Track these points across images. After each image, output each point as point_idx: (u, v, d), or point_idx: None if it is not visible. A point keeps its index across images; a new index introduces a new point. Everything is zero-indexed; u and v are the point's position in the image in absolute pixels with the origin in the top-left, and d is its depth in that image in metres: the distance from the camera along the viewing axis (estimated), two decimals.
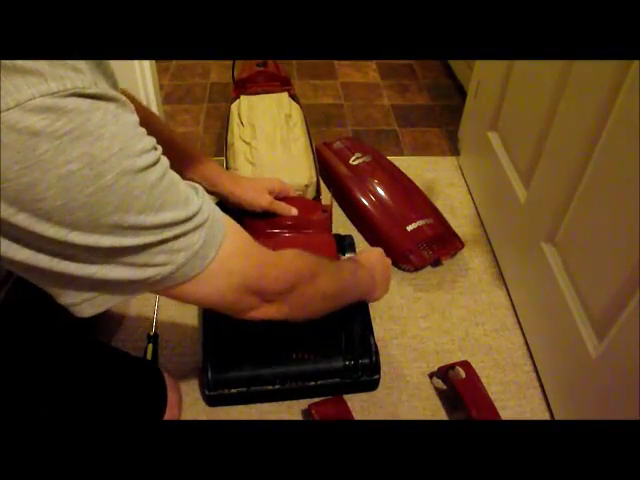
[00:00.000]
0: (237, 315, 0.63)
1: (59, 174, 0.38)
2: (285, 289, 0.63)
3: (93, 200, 0.40)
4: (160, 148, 0.47)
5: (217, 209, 0.54)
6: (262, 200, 0.95)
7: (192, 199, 0.49)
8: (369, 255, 0.90)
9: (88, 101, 0.39)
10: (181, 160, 0.87)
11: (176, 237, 0.47)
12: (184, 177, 0.89)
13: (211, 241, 0.51)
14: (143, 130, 0.45)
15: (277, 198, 0.98)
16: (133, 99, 0.77)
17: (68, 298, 0.49)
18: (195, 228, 0.49)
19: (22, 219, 0.39)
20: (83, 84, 0.39)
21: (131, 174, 0.42)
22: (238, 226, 0.58)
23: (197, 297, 0.55)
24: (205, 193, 0.53)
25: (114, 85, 0.46)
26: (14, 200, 0.38)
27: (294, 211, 0.97)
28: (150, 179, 0.44)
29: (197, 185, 0.53)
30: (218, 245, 0.52)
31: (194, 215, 0.49)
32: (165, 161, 0.47)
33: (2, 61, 0.35)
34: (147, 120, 0.83)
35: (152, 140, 0.46)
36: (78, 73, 0.39)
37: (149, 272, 0.48)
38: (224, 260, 0.53)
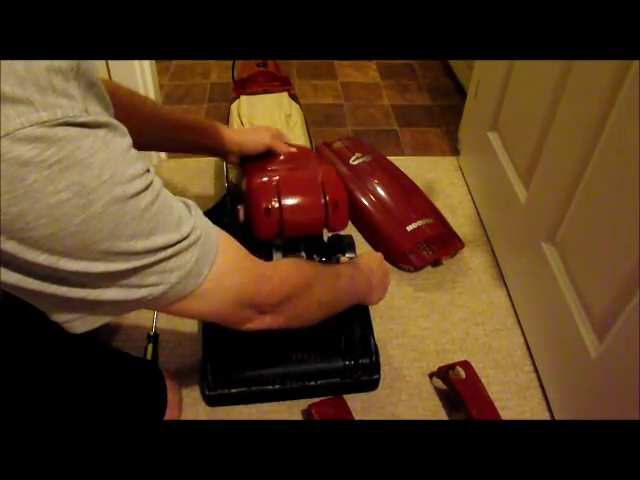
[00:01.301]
0: (233, 327, 0.63)
1: (49, 204, 0.38)
2: (280, 301, 0.63)
3: (83, 228, 0.40)
4: (152, 170, 0.46)
5: (209, 224, 0.53)
6: (265, 137, 0.94)
7: (185, 219, 0.49)
8: (368, 260, 0.90)
9: (77, 129, 0.39)
10: (187, 132, 0.88)
11: (168, 258, 0.47)
12: (194, 144, 0.90)
13: (204, 259, 0.51)
14: (135, 153, 0.44)
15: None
16: (119, 88, 0.77)
17: (61, 317, 0.48)
18: (187, 247, 0.49)
19: (11, 246, 0.39)
20: (74, 112, 0.39)
21: (121, 201, 0.42)
22: (231, 239, 0.57)
23: (193, 313, 0.55)
24: (198, 209, 0.52)
25: (107, 107, 0.45)
26: (3, 228, 0.38)
27: (292, 148, 0.96)
28: (141, 205, 0.44)
29: (190, 202, 0.52)
30: (211, 262, 0.51)
31: (187, 236, 0.48)
32: (157, 183, 0.47)
33: None
34: (140, 105, 0.83)
35: (144, 163, 0.45)
36: (70, 100, 0.39)
37: (142, 292, 0.48)
38: (218, 277, 0.53)
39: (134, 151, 0.45)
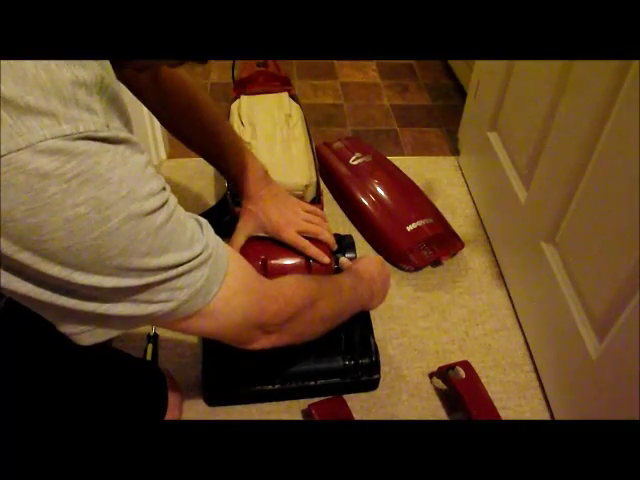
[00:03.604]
0: (239, 346, 0.63)
1: (66, 217, 0.38)
2: (286, 320, 0.64)
3: (99, 243, 0.40)
4: (168, 188, 0.47)
5: (221, 242, 0.53)
6: (282, 233, 0.86)
7: (197, 237, 0.49)
8: (369, 266, 0.88)
9: (98, 144, 0.39)
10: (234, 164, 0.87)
11: (179, 275, 0.47)
12: (235, 176, 0.88)
13: (214, 277, 0.51)
14: (152, 171, 0.45)
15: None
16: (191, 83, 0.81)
17: (68, 329, 0.49)
18: (199, 266, 0.49)
19: (26, 257, 0.39)
20: (95, 127, 0.39)
21: (138, 218, 0.42)
22: (241, 258, 0.58)
23: (199, 331, 0.56)
24: (209, 228, 0.53)
25: (127, 122, 0.45)
26: (19, 239, 0.38)
27: (326, 259, 0.87)
28: (156, 222, 0.44)
29: (202, 220, 0.53)
30: (221, 281, 0.52)
31: (199, 254, 0.49)
32: (172, 201, 0.47)
33: (16, 101, 0.35)
34: (214, 126, 0.85)
35: (160, 181, 0.45)
36: (92, 114, 0.39)
37: (151, 309, 0.48)
38: (227, 297, 0.53)
39: (151, 168, 0.45)
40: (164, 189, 0.46)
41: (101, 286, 0.43)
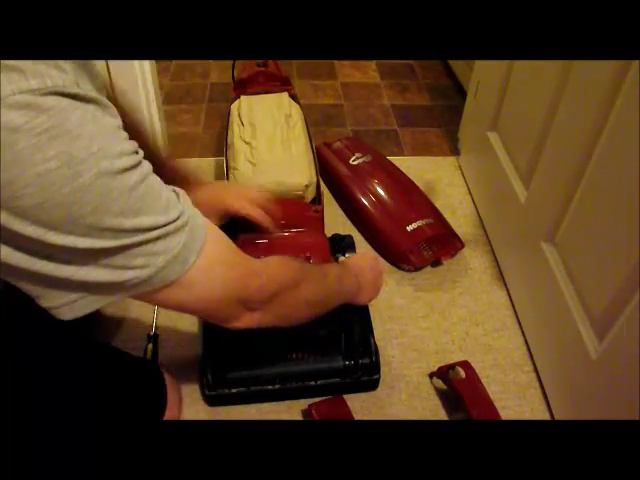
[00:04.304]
0: (221, 324, 0.62)
1: (37, 172, 0.38)
2: (269, 298, 0.63)
3: (71, 200, 0.40)
4: (141, 153, 0.47)
5: (198, 214, 0.53)
6: (224, 201, 0.87)
7: (173, 204, 0.49)
8: (359, 260, 0.90)
9: (67, 100, 0.39)
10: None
11: (155, 240, 0.47)
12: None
13: (191, 245, 0.51)
14: (124, 134, 0.45)
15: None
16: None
17: (48, 301, 0.48)
18: (175, 231, 0.49)
19: (0, 217, 0.39)
20: (64, 83, 0.39)
21: (109, 175, 0.42)
22: (222, 234, 0.57)
23: (180, 304, 0.55)
24: (187, 198, 0.52)
25: (99, 87, 0.45)
26: None
27: (268, 220, 0.90)
28: (129, 182, 0.44)
29: (179, 190, 0.52)
30: (199, 250, 0.51)
31: (174, 220, 0.48)
32: (146, 165, 0.47)
33: None
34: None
35: (133, 144, 0.45)
36: (60, 72, 0.39)
37: (128, 275, 0.48)
38: (206, 268, 0.53)
39: (124, 132, 0.45)
40: (137, 152, 0.46)
41: (75, 247, 0.43)
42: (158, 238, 0.47)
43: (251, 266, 0.61)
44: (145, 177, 0.46)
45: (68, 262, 0.45)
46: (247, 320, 0.63)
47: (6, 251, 0.43)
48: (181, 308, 0.56)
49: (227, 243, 0.58)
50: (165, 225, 0.47)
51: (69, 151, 0.39)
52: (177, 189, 0.52)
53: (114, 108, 0.45)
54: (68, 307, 0.49)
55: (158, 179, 0.49)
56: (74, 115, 0.40)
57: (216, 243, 0.55)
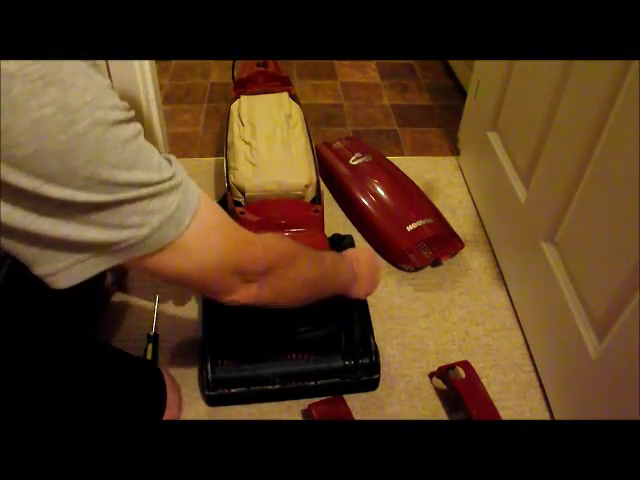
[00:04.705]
0: (218, 297, 0.62)
1: (33, 118, 0.38)
2: (265, 269, 0.63)
3: (66, 148, 0.40)
4: (133, 112, 0.47)
5: (192, 182, 0.53)
6: None
7: (165, 166, 0.49)
8: (355, 252, 0.91)
9: None
10: None
11: (149, 197, 0.47)
12: None
13: (186, 207, 0.50)
14: (115, 93, 0.45)
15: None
16: None
17: (43, 267, 0.48)
18: (169, 190, 0.49)
19: None
20: None
21: (104, 125, 0.42)
22: (216, 204, 0.57)
23: (176, 272, 0.54)
24: (179, 164, 0.52)
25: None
26: None
27: None
28: (123, 135, 0.44)
29: (172, 156, 0.52)
30: (193, 212, 0.51)
31: (168, 179, 0.49)
32: (139, 126, 0.47)
33: None
34: None
35: (125, 103, 0.46)
36: None
37: (124, 234, 0.47)
38: (202, 232, 0.53)
39: (115, 91, 0.45)
40: (128, 110, 0.46)
41: (72, 200, 0.43)
42: (153, 196, 0.47)
43: (247, 235, 0.61)
44: (138, 134, 0.47)
45: (64, 220, 0.45)
46: (244, 293, 0.62)
47: (2, 208, 0.42)
48: (178, 277, 0.56)
49: (221, 212, 0.58)
50: (159, 183, 0.48)
51: (64, 98, 0.40)
52: (170, 156, 0.52)
53: (104, 69, 0.45)
54: (65, 273, 0.49)
55: (149, 143, 0.49)
56: (67, 65, 0.40)
57: (210, 210, 0.55)
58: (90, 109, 0.41)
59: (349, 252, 0.90)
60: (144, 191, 0.46)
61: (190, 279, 0.57)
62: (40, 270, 0.48)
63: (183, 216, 0.50)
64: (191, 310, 1.02)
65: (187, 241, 0.52)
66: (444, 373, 0.90)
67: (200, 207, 0.52)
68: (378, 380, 0.91)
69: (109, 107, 0.43)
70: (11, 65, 0.37)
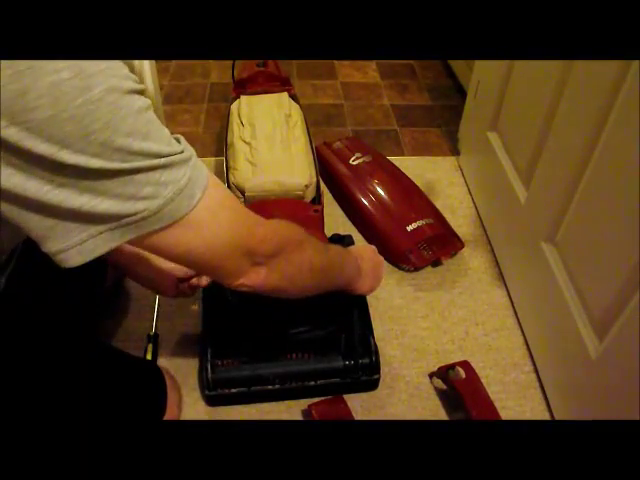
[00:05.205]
0: (228, 281, 0.62)
1: (50, 81, 0.39)
2: (274, 251, 0.63)
3: (82, 112, 0.41)
4: (144, 86, 0.48)
5: (199, 160, 0.54)
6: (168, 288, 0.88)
7: (174, 142, 0.50)
8: (358, 248, 0.91)
9: None
10: None
11: (162, 168, 0.48)
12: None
13: (197, 180, 0.51)
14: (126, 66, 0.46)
15: None
16: None
17: (55, 243, 0.47)
18: (180, 163, 0.49)
19: (13, 133, 0.40)
20: None
21: (118, 92, 0.43)
22: (223, 184, 0.58)
23: (186, 250, 0.54)
24: (187, 143, 0.53)
25: None
26: (5, 111, 0.39)
27: (204, 281, 0.90)
28: (136, 104, 0.45)
29: (180, 136, 0.53)
30: (204, 186, 0.52)
31: (179, 152, 0.49)
32: (149, 101, 0.48)
33: None
34: None
35: (136, 77, 0.46)
36: None
37: (137, 206, 0.47)
38: (212, 209, 0.53)
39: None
40: (139, 83, 0.47)
41: (88, 166, 0.43)
42: (165, 167, 0.48)
43: (255, 216, 0.61)
44: (149, 107, 0.47)
45: (79, 191, 0.45)
46: (253, 277, 0.62)
47: (18, 179, 0.43)
48: (188, 256, 0.55)
49: (230, 192, 0.59)
50: (170, 155, 0.48)
51: (79, 64, 0.40)
52: (178, 135, 0.53)
53: None
54: (76, 249, 0.48)
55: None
56: None
57: (219, 189, 0.55)
58: (105, 76, 0.42)
59: (352, 248, 0.90)
60: (156, 162, 0.47)
61: (201, 259, 0.57)
62: (52, 246, 0.48)
63: (194, 189, 0.51)
64: (191, 310, 1.02)
65: (198, 217, 0.52)
66: (444, 373, 0.90)
67: (209, 185, 0.53)
68: (378, 380, 0.91)
69: (122, 76, 0.44)
70: None
